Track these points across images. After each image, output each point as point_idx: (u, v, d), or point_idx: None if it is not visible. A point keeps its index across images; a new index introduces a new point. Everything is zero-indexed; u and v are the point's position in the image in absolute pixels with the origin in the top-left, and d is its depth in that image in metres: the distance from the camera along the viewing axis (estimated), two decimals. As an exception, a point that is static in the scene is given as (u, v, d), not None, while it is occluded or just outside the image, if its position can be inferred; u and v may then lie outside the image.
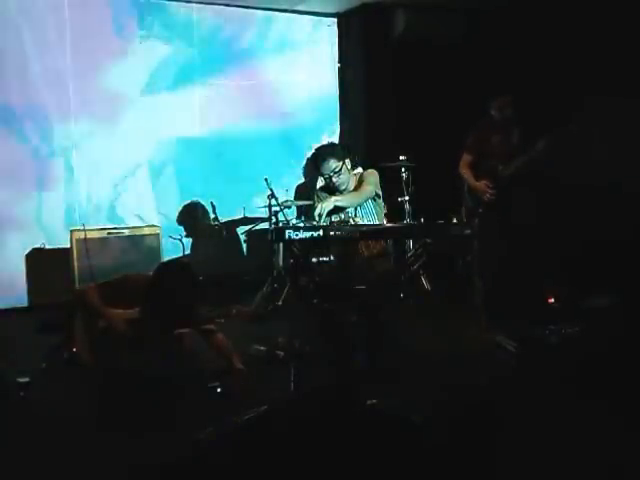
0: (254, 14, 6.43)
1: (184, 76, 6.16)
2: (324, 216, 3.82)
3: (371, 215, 4.20)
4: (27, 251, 5.56)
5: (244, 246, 6.41)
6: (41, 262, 5.54)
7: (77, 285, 5.05)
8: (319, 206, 3.85)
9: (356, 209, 4.15)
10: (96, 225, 5.50)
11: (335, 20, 6.86)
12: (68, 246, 5.25)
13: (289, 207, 5.91)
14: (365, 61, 6.62)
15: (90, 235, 5.25)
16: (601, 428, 2.76)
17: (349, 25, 6.78)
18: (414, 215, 5.53)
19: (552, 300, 4.35)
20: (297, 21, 6.68)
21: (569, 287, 4.34)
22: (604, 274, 4.43)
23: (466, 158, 4.88)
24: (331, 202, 3.91)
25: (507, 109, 4.64)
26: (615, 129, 4.73)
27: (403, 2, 6.32)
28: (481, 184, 4.72)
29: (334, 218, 4.08)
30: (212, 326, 3.63)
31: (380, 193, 4.27)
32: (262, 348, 3.92)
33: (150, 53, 6.03)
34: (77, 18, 5.62)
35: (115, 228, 5.50)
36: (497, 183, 4.63)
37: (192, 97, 6.20)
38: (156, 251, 5.48)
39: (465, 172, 4.85)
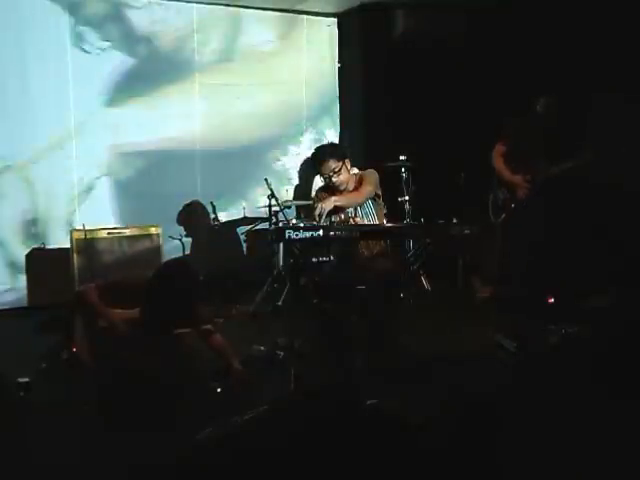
0: (255, 14, 6.45)
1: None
2: (324, 216, 3.81)
3: (371, 215, 4.20)
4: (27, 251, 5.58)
5: (244, 246, 6.41)
6: (41, 262, 5.54)
7: (77, 285, 5.05)
8: (319, 206, 3.85)
9: (356, 209, 4.15)
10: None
11: (335, 20, 6.87)
12: (68, 246, 5.25)
13: (289, 207, 5.92)
14: (365, 61, 6.62)
15: (90, 235, 5.25)
16: (601, 428, 2.76)
17: (349, 25, 6.78)
18: (414, 215, 5.53)
19: (552, 300, 4.34)
20: (298, 21, 6.69)
21: (593, 286, 4.30)
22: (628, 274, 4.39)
23: (500, 148, 4.71)
24: (331, 202, 3.91)
25: (554, 110, 4.54)
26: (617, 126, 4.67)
27: (403, 2, 6.32)
28: (519, 178, 4.58)
29: (334, 218, 4.08)
30: (210, 326, 3.63)
31: (380, 193, 4.26)
32: (262, 348, 3.92)
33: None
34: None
35: (115, 228, 5.51)
36: (536, 181, 4.52)
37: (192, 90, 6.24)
38: (156, 251, 5.49)
39: (500, 164, 4.69)
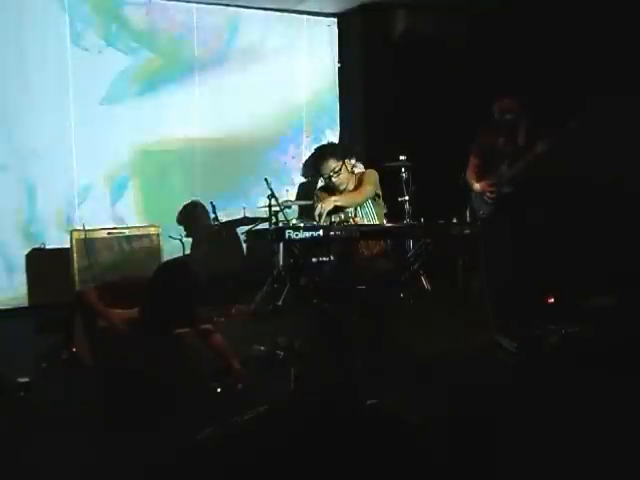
0: (255, 14, 6.45)
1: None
2: (324, 216, 3.82)
3: (371, 215, 4.20)
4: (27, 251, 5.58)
5: (244, 246, 6.41)
6: (41, 262, 5.55)
7: (77, 285, 5.05)
8: (319, 206, 3.85)
9: (356, 209, 4.15)
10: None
11: (335, 20, 6.87)
12: (68, 246, 5.25)
13: (289, 207, 5.91)
14: (365, 61, 6.62)
15: (90, 235, 5.25)
16: (601, 428, 2.76)
17: (349, 25, 6.78)
18: (414, 215, 5.53)
19: (552, 300, 4.35)
20: (297, 21, 6.69)
21: (570, 287, 4.33)
22: (607, 274, 4.42)
23: (472, 162, 4.86)
24: (331, 202, 3.92)
25: (508, 111, 4.62)
26: (616, 127, 4.71)
27: (403, 2, 6.32)
28: (482, 185, 4.72)
29: (334, 218, 4.08)
30: (210, 326, 3.63)
31: (380, 193, 4.27)
32: (262, 348, 3.92)
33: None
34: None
35: (115, 228, 5.51)
36: (498, 183, 4.63)
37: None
38: (156, 251, 5.49)
39: (470, 176, 4.84)
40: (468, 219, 4.83)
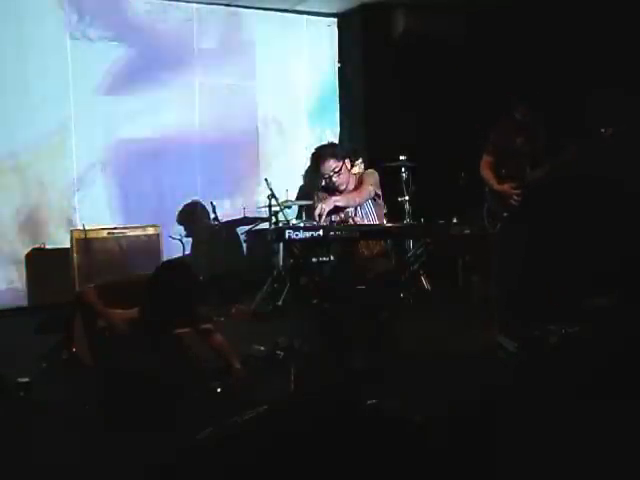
0: (255, 14, 6.46)
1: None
2: (324, 216, 3.82)
3: (371, 215, 4.20)
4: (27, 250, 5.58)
5: (244, 246, 6.41)
6: (41, 262, 5.55)
7: (77, 285, 5.05)
8: (319, 206, 3.86)
9: (356, 209, 4.16)
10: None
11: (335, 20, 6.87)
12: (68, 246, 5.25)
13: (289, 207, 5.92)
14: (365, 61, 6.63)
15: (90, 235, 5.25)
16: (602, 429, 2.76)
17: (349, 25, 6.79)
18: (414, 215, 5.53)
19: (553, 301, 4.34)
20: (297, 21, 6.69)
21: (594, 289, 4.28)
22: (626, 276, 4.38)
23: (487, 159, 4.72)
24: (331, 202, 3.92)
25: (530, 113, 4.54)
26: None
27: (403, 2, 6.33)
28: (506, 187, 4.57)
29: (334, 218, 4.08)
30: (210, 325, 3.63)
31: (380, 193, 4.27)
32: (262, 348, 3.92)
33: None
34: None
35: (115, 228, 5.51)
36: (524, 186, 4.53)
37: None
38: (156, 251, 5.49)
39: (487, 174, 4.70)
40: (485, 219, 4.74)
